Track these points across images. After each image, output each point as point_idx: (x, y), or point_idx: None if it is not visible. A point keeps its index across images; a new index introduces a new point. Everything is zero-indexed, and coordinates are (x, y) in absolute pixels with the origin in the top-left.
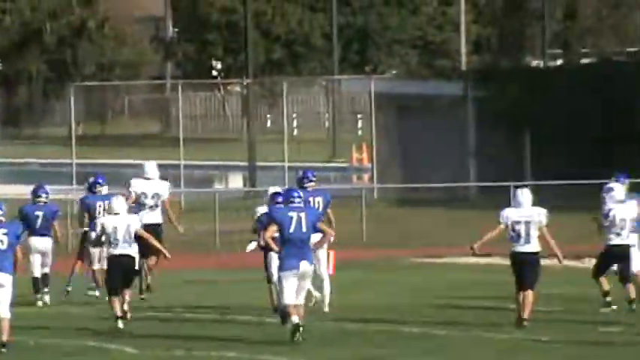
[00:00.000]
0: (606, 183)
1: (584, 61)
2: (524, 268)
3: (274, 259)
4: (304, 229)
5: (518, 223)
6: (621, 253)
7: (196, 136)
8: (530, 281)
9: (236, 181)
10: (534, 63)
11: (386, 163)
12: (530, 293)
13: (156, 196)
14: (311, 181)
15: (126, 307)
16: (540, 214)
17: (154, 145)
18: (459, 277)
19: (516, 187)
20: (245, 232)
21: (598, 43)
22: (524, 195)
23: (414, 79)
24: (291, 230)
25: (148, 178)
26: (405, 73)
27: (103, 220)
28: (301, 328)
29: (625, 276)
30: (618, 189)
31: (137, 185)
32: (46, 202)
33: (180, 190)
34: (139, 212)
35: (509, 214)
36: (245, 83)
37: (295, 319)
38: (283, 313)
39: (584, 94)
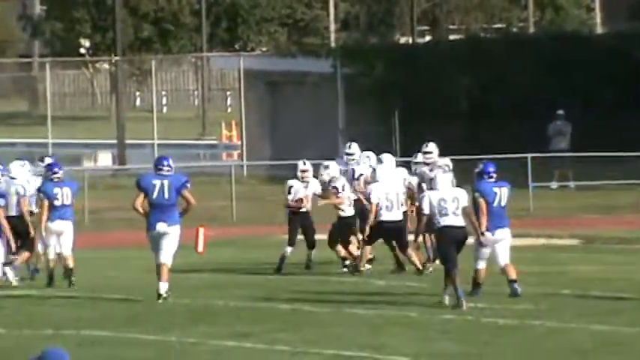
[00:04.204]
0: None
1: (452, 37)
2: (393, 234)
3: None
4: (166, 195)
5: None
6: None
7: (65, 114)
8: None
9: (105, 159)
10: (403, 40)
11: (255, 140)
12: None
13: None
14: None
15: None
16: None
17: (22, 123)
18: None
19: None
20: (113, 210)
21: (465, 20)
22: (388, 163)
23: (283, 56)
24: (154, 196)
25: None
26: (275, 50)
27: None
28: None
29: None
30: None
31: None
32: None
33: None
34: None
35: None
36: (114, 61)
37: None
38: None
39: (452, 71)
